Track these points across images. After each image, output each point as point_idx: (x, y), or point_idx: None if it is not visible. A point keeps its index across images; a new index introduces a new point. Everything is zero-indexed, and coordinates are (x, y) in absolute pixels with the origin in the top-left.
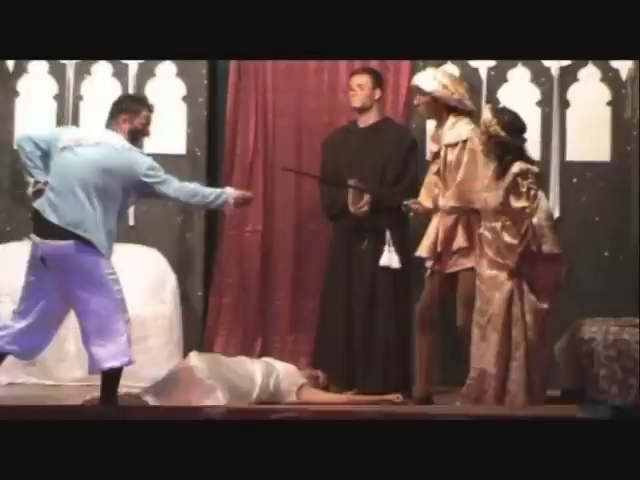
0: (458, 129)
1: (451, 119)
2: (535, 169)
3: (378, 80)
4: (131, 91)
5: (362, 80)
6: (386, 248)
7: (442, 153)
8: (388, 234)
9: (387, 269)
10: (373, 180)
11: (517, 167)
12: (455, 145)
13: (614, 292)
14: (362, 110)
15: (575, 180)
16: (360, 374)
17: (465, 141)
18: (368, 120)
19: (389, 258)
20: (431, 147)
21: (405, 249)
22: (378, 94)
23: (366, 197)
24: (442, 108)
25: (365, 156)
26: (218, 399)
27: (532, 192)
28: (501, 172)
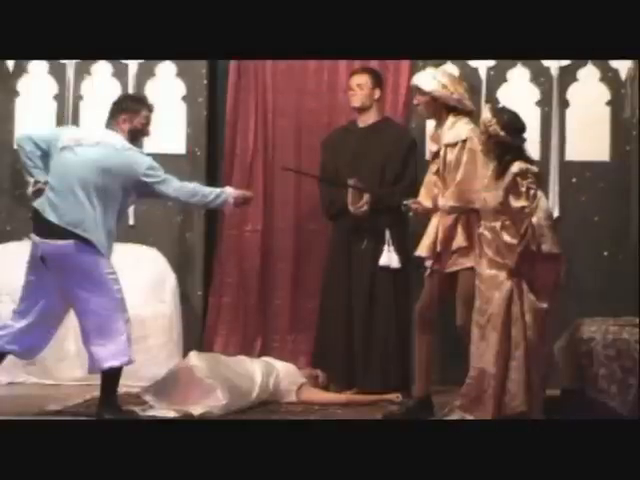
0: (458, 129)
1: (450, 119)
2: (534, 169)
3: (378, 80)
4: (131, 91)
5: (361, 80)
6: (386, 248)
7: (442, 153)
8: (388, 234)
9: (387, 269)
10: (373, 180)
11: (517, 167)
12: (455, 145)
13: (613, 292)
14: (361, 110)
15: (574, 180)
16: (360, 373)
17: (465, 141)
18: (368, 120)
19: (389, 258)
20: (431, 147)
21: (405, 249)
22: (377, 94)
23: (366, 197)
24: (441, 108)
25: (365, 156)
26: (218, 398)
27: (531, 192)
28: (501, 172)
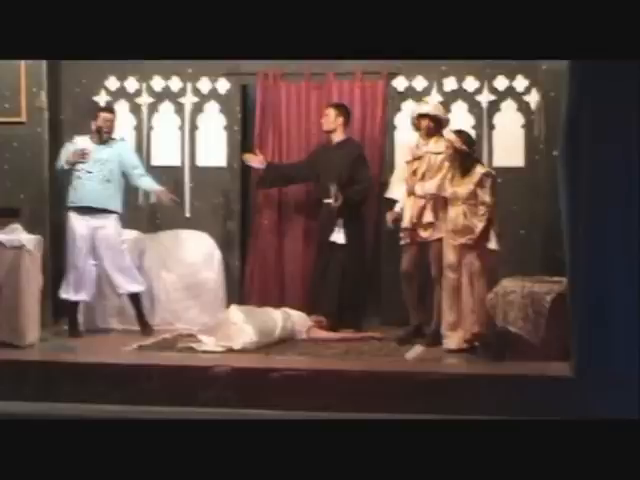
0: (440, 143)
1: (437, 136)
2: (493, 172)
3: (340, 111)
4: None
5: (328, 112)
6: (336, 229)
7: (426, 157)
8: (341, 221)
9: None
10: (340, 182)
11: (482, 168)
12: (439, 153)
13: (525, 260)
14: (329, 132)
15: (500, 180)
16: (342, 316)
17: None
18: (335, 139)
19: (337, 236)
20: (415, 152)
21: (361, 228)
22: (340, 121)
23: (340, 196)
24: (437, 128)
25: (334, 164)
26: (251, 337)
27: (494, 189)
28: (465, 172)
